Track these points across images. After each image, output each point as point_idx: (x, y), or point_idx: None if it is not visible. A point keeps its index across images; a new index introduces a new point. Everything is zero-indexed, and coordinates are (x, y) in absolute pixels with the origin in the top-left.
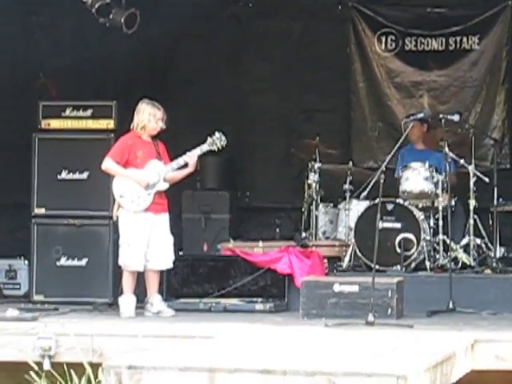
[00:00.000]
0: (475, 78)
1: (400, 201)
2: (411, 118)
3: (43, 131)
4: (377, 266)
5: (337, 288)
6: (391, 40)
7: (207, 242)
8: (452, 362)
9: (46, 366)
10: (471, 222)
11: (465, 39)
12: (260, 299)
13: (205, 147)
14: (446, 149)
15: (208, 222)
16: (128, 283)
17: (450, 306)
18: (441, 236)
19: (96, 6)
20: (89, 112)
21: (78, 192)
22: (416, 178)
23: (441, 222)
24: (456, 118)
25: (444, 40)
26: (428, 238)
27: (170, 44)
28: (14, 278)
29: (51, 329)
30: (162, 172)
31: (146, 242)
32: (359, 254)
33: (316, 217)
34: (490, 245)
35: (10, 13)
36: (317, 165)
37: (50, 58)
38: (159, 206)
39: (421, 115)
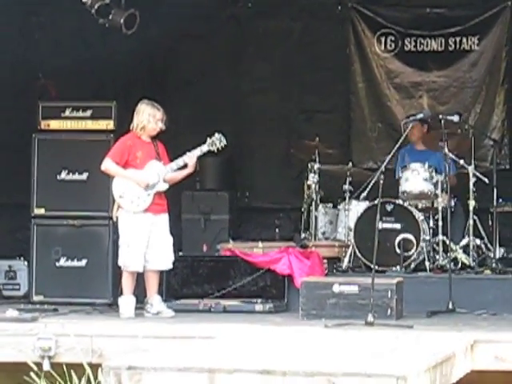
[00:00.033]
0: (475, 78)
1: (399, 201)
2: (411, 118)
3: (43, 132)
4: (376, 267)
5: (336, 288)
6: (391, 40)
7: (207, 243)
8: (452, 362)
9: (46, 366)
10: (471, 222)
11: (464, 40)
12: (260, 300)
13: (204, 148)
14: (446, 150)
15: (207, 222)
16: (128, 284)
17: (450, 306)
18: (440, 236)
19: (95, 7)
20: (88, 113)
21: (77, 193)
22: (415, 179)
23: (440, 223)
24: (456, 118)
25: (443, 40)
26: (427, 238)
27: (169, 44)
28: (14, 279)
29: (51, 329)
30: (161, 173)
31: (145, 242)
32: (359, 255)
33: (316, 217)
34: (489, 245)
35: (10, 13)
36: (316, 165)
37: (50, 58)
38: (159, 207)
39: (420, 116)
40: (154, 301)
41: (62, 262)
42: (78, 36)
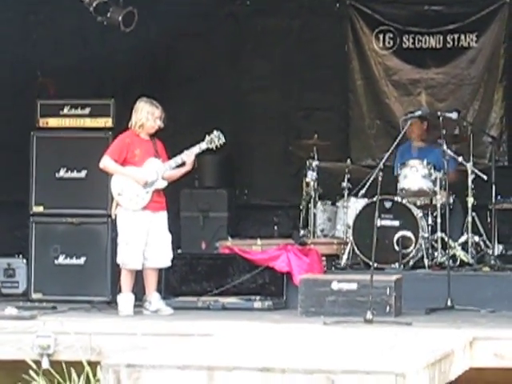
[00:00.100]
0: (473, 75)
1: (398, 198)
2: (409, 115)
3: (41, 130)
4: (375, 264)
5: (335, 286)
6: (389, 38)
7: (205, 240)
8: (450, 359)
9: (45, 364)
10: (469, 219)
11: (462, 37)
12: (258, 297)
13: (203, 145)
14: (445, 146)
15: (206, 220)
16: (126, 281)
17: (449, 303)
18: (439, 234)
19: (94, 5)
20: (87, 110)
21: (76, 190)
22: (414, 176)
23: (439, 220)
24: (454, 115)
25: (442, 38)
26: (426, 235)
27: (168, 42)
28: (13, 277)
29: (50, 327)
30: (160, 170)
31: (144, 240)
32: (357, 252)
33: (314, 215)
34: (488, 242)
35: (9, 12)
36: (315, 163)
37: (49, 56)
38: (157, 205)
39: (419, 113)
40: (153, 298)
41: (61, 259)
42: (76, 34)
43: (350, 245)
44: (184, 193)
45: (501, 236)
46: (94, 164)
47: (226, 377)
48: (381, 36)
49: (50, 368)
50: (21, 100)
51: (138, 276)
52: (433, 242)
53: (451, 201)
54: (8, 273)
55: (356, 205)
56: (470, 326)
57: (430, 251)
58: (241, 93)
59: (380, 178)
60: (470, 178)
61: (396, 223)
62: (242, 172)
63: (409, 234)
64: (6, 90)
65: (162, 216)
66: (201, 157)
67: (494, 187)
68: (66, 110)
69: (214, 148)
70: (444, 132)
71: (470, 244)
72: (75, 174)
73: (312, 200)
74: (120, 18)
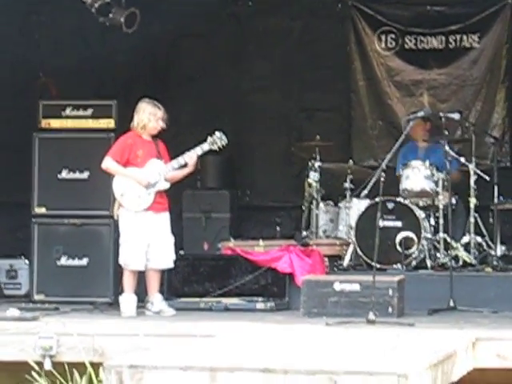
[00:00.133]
0: (475, 76)
1: (400, 199)
2: (411, 116)
3: (43, 131)
4: (377, 265)
5: (337, 287)
6: (391, 38)
7: (208, 241)
8: (453, 360)
9: (47, 365)
10: (472, 220)
11: (465, 37)
12: (261, 298)
13: (205, 146)
14: (447, 147)
15: (208, 221)
16: (129, 282)
17: (451, 304)
18: (441, 234)
19: (96, 6)
20: (89, 111)
21: (78, 191)
22: (416, 177)
23: (441, 221)
24: (456, 116)
25: (444, 38)
26: (429, 236)
27: (169, 43)
28: (15, 278)
29: (52, 328)
30: (162, 171)
31: (146, 241)
32: (360, 253)
33: (316, 215)
34: (490, 243)
35: (10, 12)
36: (317, 163)
37: (50, 57)
38: (160, 206)
39: (421, 114)
40: (155, 299)
41: (63, 260)
42: (78, 35)
43: (352, 246)
44: (186, 194)
45: (503, 237)
46: (96, 165)
47: (229, 378)
48: (383, 37)
49: (52, 369)
50: (22, 100)
51: (141, 277)
52: (435, 243)
53: (453, 201)
54: (10, 274)
55: (358, 206)
56: (473, 327)
57: (433, 252)
58: (243, 93)
59: (382, 179)
60: (473, 178)
61: (398, 224)
62: (243, 173)
63: (411, 234)
64: (7, 90)
65: (165, 217)
66: (203, 158)
67: (496, 188)
68: (68, 111)
69: (217, 149)
70: (446, 133)
71: (472, 245)
72: (77, 175)
73: (314, 201)
74: (122, 19)
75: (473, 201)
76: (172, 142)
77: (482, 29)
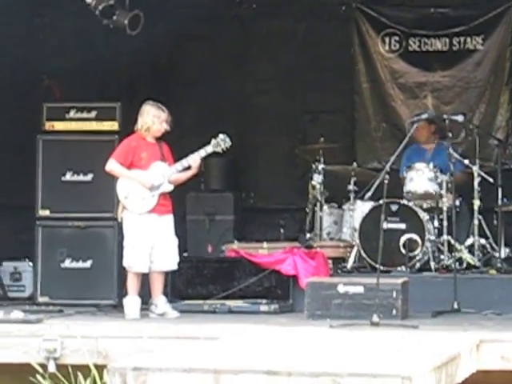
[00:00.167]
0: (479, 78)
1: (404, 201)
2: (415, 118)
3: (47, 133)
4: (381, 267)
5: (341, 289)
6: (395, 41)
7: (211, 244)
8: (457, 362)
9: (51, 367)
10: (476, 222)
11: (468, 39)
12: (265, 300)
13: (209, 149)
14: (451, 150)
15: (212, 223)
16: (133, 285)
17: (455, 306)
18: (445, 236)
19: (100, 8)
20: (93, 114)
21: (82, 194)
22: (420, 179)
23: (445, 223)
24: (460, 118)
25: (448, 40)
26: (432, 238)
27: (173, 45)
28: (19, 280)
29: (56, 331)
30: (166, 174)
31: (150, 243)
32: (364, 255)
33: (320, 218)
34: (494, 245)
35: (14, 15)
36: (321, 166)
37: (54, 59)
38: (163, 208)
39: (425, 116)
40: (159, 301)
41: (67, 263)
42: (82, 37)
43: (356, 248)
44: (190, 196)
45: (507, 239)
46: (100, 167)
47: (232, 380)
48: (387, 39)
49: (56, 371)
50: (26, 102)
51: (145, 279)
52: (439, 245)
53: (457, 203)
54: (14, 276)
55: (362, 208)
56: (477, 329)
57: (437, 254)
58: (246, 96)
59: (386, 181)
60: (477, 180)
61: (402, 226)
62: (247, 175)
63: (415, 236)
64: (11, 92)
65: (169, 219)
66: (207, 160)
67: (500, 190)
68: (72, 114)
69: (220, 151)
70: (450, 135)
71: (476, 247)
72: (81, 178)
73: (318, 203)
74: (126, 22)
75: (477, 203)
76: (176, 144)
77: (486, 31)
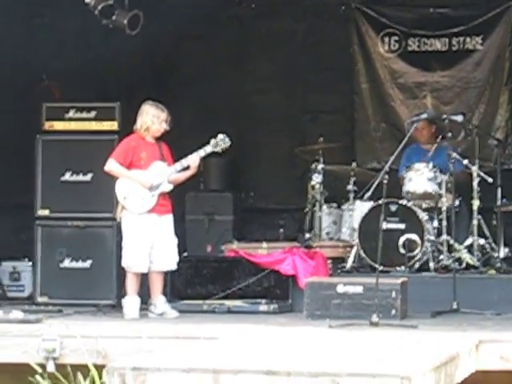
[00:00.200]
0: (478, 78)
1: (404, 202)
2: (414, 118)
3: (47, 133)
4: (381, 267)
5: (341, 289)
6: (394, 41)
7: (211, 244)
8: (456, 362)
9: (50, 367)
10: (475, 222)
11: (468, 39)
12: (264, 300)
13: (208, 149)
14: (450, 149)
15: (211, 223)
16: (132, 285)
17: (454, 306)
18: (445, 236)
19: (99, 8)
20: (92, 113)
21: (81, 194)
22: (419, 179)
23: (444, 223)
24: (459, 118)
25: (447, 40)
26: (432, 238)
27: (173, 45)
28: (18, 280)
29: (55, 330)
30: (165, 173)
31: (149, 243)
32: (363, 255)
33: (320, 218)
34: (493, 245)
35: (14, 15)
36: (320, 166)
37: (54, 59)
38: (163, 208)
39: (424, 116)
40: (159, 301)
41: (67, 263)
42: (81, 37)
43: (355, 248)
44: (189, 196)
45: (506, 239)
46: (99, 167)
47: (232, 380)
48: (386, 39)
49: (55, 371)
50: (25, 102)
51: (144, 279)
52: (438, 245)
53: (457, 204)
54: (14, 276)
55: (361, 208)
56: (476, 329)
57: (436, 254)
58: (246, 95)
59: (385, 181)
60: (476, 180)
61: (402, 226)
62: (247, 175)
63: (414, 236)
64: (11, 92)
65: (168, 219)
66: (206, 160)
67: (499, 190)
68: (71, 113)
69: (220, 151)
70: (449, 135)
71: (475, 247)
72: (81, 178)
73: (317, 203)
74: (125, 21)
75: (476, 203)
76: (175, 144)
77: (486, 31)
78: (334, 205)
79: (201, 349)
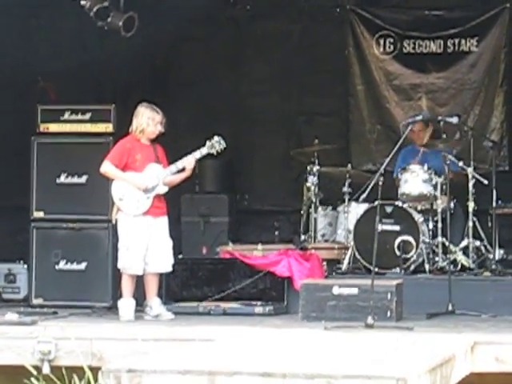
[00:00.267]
0: (474, 80)
1: (399, 203)
2: (409, 120)
3: (42, 135)
4: (376, 269)
5: (336, 291)
6: (389, 42)
7: (206, 246)
8: (452, 364)
9: (46, 369)
10: (470, 224)
11: (463, 41)
12: (259, 302)
13: (204, 151)
14: (445, 151)
15: (207, 225)
16: (127, 287)
17: (450, 308)
18: (440, 238)
19: (94, 10)
20: (87, 116)
21: (77, 196)
22: (415, 181)
23: (440, 225)
24: (455, 120)
25: (442, 42)
26: (427, 240)
27: (168, 47)
28: (13, 282)
29: (50, 333)
30: (160, 175)
31: (144, 245)
32: (358, 257)
33: (315, 219)
34: (489, 247)
35: (10, 16)
36: (316, 167)
37: (49, 61)
38: (158, 210)
39: (419, 117)
40: (154, 303)
41: (62, 265)
42: (77, 39)
43: (350, 250)
44: (185, 198)
45: (501, 241)
46: (94, 169)
47: (227, 382)
48: (381, 41)
49: (50, 374)
50: (21, 104)
51: (139, 281)
52: (434, 247)
53: (452, 205)
54: (9, 278)
55: (357, 210)
56: (471, 331)
57: (431, 256)
58: (241, 97)
59: (381, 183)
60: (471, 182)
61: (397, 228)
62: (242, 177)
63: (410, 238)
64: (6, 93)
65: (163, 221)
66: (201, 162)
67: (494, 192)
68: (66, 116)
69: (215, 153)
70: (444, 137)
71: (470, 249)
72: (76, 180)
73: (313, 205)
74: (121, 23)
75: (471, 205)
76: (171, 145)
77: (481, 33)
78: (330, 207)
79: (196, 351)
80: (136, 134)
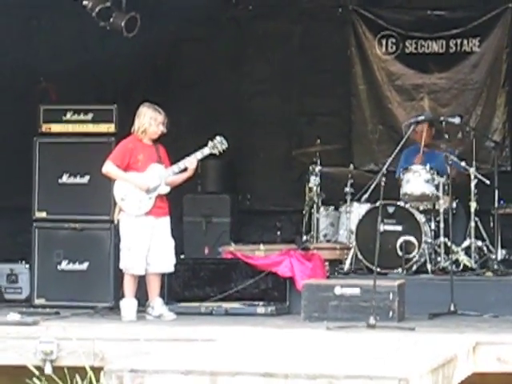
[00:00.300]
0: (476, 80)
1: (401, 203)
2: (412, 120)
3: (44, 135)
4: (378, 269)
5: (338, 291)
6: (392, 43)
7: (208, 246)
8: (454, 364)
9: (48, 370)
10: (472, 224)
11: (465, 42)
12: (261, 302)
13: (206, 151)
14: (447, 152)
15: (209, 225)
16: (129, 287)
17: (452, 308)
18: (442, 238)
19: (96, 10)
20: (89, 116)
21: (79, 196)
22: (417, 181)
23: (442, 225)
24: (457, 120)
25: (444, 42)
26: (429, 240)
27: (170, 47)
28: (16, 282)
29: (52, 333)
30: (162, 176)
31: (146, 245)
32: (360, 257)
33: (317, 220)
34: (491, 247)
35: (11, 17)
36: (318, 168)
37: (51, 61)
38: (160, 210)
39: (421, 118)
40: (156, 304)
41: (64, 265)
42: (78, 39)
43: (352, 250)
44: (187, 198)
45: (504, 241)
46: (96, 169)
47: (229, 382)
48: (383, 41)
49: (52, 374)
50: (22, 105)
51: (141, 281)
52: (436, 247)
53: (454, 206)
54: (11, 278)
55: (359, 210)
56: (473, 331)
57: (433, 256)
58: (243, 97)
59: (383, 183)
60: (473, 182)
61: (399, 228)
62: (244, 177)
63: (412, 238)
64: (8, 94)
65: (165, 221)
66: (203, 162)
67: (496, 192)
68: (68, 116)
69: (217, 153)
70: (447, 137)
71: (472, 249)
72: (78, 180)
73: (315, 205)
74: (123, 24)
75: (473, 205)
76: (172, 146)
77: (483, 33)
78: (332, 207)
79: (198, 351)
80: (138, 134)
